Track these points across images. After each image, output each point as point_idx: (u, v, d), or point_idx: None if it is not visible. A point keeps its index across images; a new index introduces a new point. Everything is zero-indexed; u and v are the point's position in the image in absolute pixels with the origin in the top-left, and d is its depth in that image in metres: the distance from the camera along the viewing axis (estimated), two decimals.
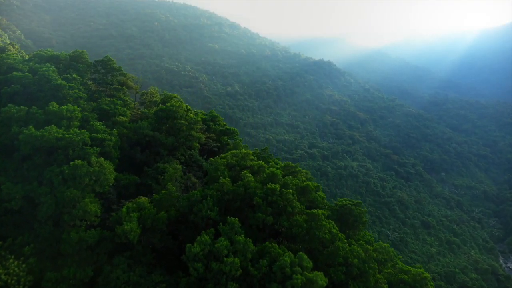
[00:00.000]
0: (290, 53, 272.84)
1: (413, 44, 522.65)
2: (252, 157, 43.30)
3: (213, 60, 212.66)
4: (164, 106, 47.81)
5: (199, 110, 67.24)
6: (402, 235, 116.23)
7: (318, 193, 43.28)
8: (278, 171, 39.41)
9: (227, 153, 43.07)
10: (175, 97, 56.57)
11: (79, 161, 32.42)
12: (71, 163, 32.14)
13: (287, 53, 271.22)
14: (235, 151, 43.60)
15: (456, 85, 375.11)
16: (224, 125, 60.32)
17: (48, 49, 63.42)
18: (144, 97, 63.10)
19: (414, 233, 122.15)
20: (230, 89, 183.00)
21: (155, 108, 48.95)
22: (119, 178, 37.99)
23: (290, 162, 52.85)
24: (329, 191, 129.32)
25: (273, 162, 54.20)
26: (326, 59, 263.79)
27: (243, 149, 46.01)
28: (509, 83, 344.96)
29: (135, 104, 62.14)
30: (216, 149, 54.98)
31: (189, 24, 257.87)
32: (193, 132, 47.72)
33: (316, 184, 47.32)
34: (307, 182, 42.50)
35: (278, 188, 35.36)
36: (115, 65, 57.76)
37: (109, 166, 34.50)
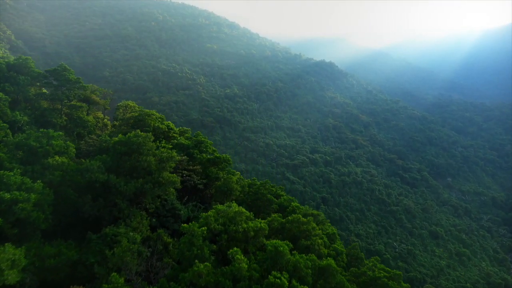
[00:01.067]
0: (291, 53, 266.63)
1: (414, 45, 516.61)
2: (247, 214, 31.24)
3: (211, 61, 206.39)
4: (124, 138, 35.77)
5: (184, 129, 58.20)
6: (409, 247, 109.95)
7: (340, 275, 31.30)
8: (285, 248, 27.72)
9: (209, 212, 30.87)
10: (152, 114, 48.05)
11: None
12: None
13: (288, 54, 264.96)
14: (221, 207, 31.30)
15: (459, 86, 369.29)
16: (213, 151, 50.35)
17: None
18: (117, 112, 53.73)
19: (422, 244, 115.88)
20: (228, 91, 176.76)
21: (115, 138, 37.42)
22: (45, 255, 25.79)
23: (305, 207, 46.46)
24: (333, 200, 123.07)
25: (276, 206, 45.49)
26: (327, 60, 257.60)
27: (234, 206, 32.00)
28: None
29: (103, 124, 52.55)
30: (201, 186, 44.04)
31: (187, 24, 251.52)
32: (165, 174, 35.32)
33: (339, 247, 39.28)
34: (327, 261, 30.08)
35: (286, 283, 24.94)
36: (71, 77, 47.44)
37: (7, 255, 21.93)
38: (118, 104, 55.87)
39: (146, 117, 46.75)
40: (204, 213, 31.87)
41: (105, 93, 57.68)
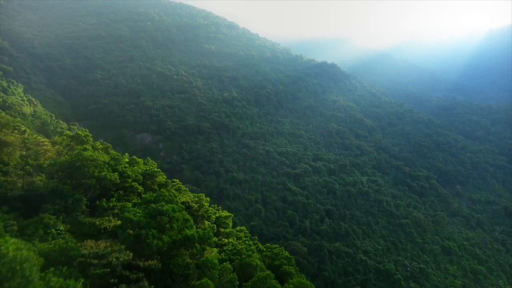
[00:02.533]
0: (292, 55, 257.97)
1: (416, 45, 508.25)
2: None
3: (209, 63, 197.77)
4: None
5: (152, 171, 46.92)
6: (422, 265, 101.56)
7: None
8: None
9: None
10: (95, 159, 35.50)
11: None
12: None
13: (289, 55, 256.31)
14: None
15: (463, 88, 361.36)
16: (185, 221, 32.41)
17: None
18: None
19: (435, 262, 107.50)
20: (227, 94, 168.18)
21: None
22: None
23: None
24: (338, 213, 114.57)
25: None
26: (329, 61, 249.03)
27: None
28: None
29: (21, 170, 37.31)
30: None
31: (184, 24, 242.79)
32: None
33: None
34: None
35: None
36: None
37: None
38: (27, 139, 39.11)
39: (85, 162, 34.58)
40: None
41: (19, 133, 40.51)
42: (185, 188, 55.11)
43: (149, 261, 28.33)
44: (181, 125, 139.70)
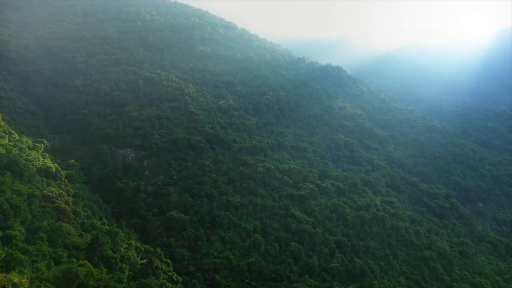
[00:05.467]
0: (293, 57, 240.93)
1: (422, 47, 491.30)
2: None
3: (203, 67, 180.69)
4: None
5: None
6: None
7: None
8: None
9: None
10: None
11: None
12: None
13: (290, 57, 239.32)
14: None
15: (472, 91, 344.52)
16: None
17: None
18: None
19: None
20: (222, 102, 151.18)
21: None
22: None
23: None
24: (350, 244, 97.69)
25: None
26: (333, 64, 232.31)
27: None
28: None
29: None
30: None
31: (178, 24, 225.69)
32: None
33: None
34: None
35: None
36: None
37: None
38: None
39: None
40: None
41: None
42: None
43: None
44: (169, 139, 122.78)
